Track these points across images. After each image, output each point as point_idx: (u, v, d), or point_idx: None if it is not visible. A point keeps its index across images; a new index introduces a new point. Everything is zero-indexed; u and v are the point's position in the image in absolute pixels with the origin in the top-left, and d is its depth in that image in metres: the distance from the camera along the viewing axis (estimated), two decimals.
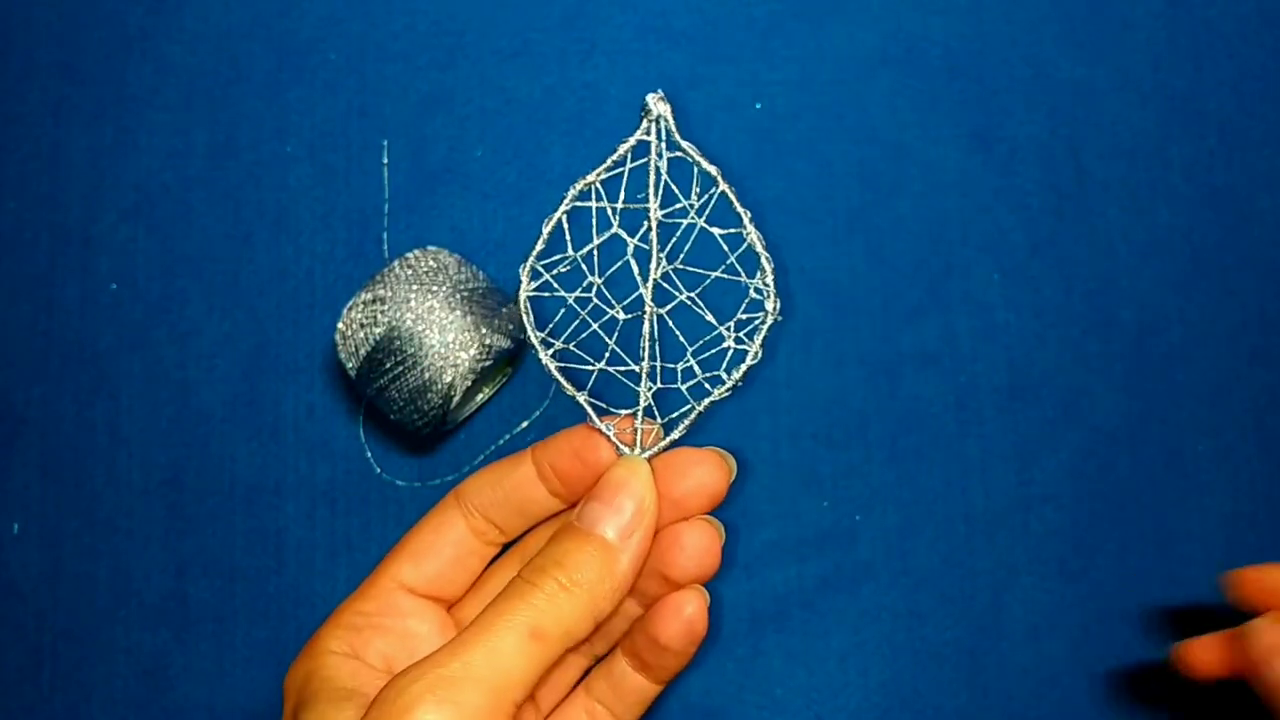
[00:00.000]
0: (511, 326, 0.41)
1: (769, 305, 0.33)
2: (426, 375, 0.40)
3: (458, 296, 0.41)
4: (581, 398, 0.34)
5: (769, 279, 0.33)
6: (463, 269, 0.41)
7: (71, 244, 0.46)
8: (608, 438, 0.34)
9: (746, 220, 0.33)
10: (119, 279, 0.45)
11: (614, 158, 0.33)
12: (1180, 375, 0.44)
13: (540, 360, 0.34)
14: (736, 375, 0.34)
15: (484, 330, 0.40)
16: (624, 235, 0.34)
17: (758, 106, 0.45)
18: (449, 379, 0.40)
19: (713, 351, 0.34)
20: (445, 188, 0.45)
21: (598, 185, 0.33)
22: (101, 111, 0.46)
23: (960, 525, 0.42)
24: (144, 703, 0.43)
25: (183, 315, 0.45)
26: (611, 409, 0.34)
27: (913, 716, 0.41)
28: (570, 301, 0.34)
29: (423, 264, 0.41)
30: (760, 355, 0.34)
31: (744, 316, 0.34)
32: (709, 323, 0.34)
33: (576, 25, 0.46)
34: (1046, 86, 0.45)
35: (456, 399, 0.40)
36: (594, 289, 0.34)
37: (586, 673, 0.37)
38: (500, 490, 0.35)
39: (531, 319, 0.34)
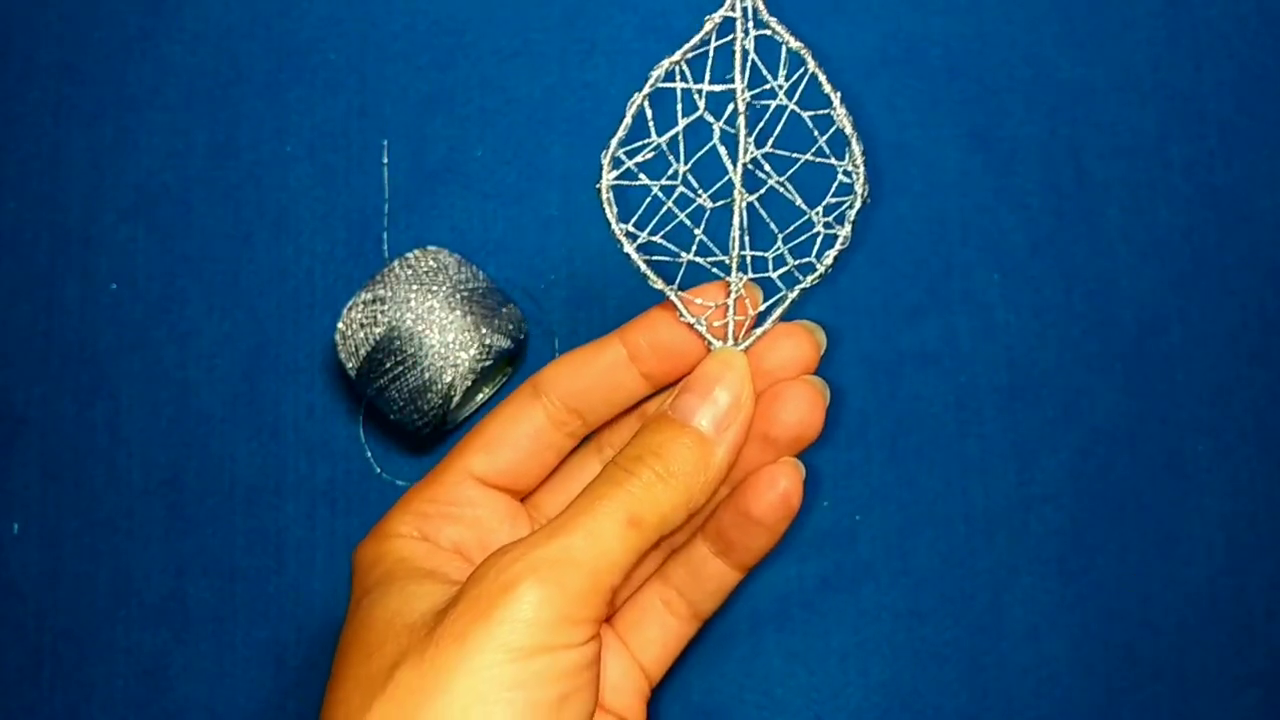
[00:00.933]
0: (511, 326, 0.41)
1: (859, 188, 0.32)
2: (426, 375, 0.40)
3: (458, 296, 0.41)
4: (671, 292, 0.33)
5: (859, 161, 0.32)
6: (463, 269, 0.41)
7: (71, 244, 0.46)
8: (700, 333, 0.33)
9: (836, 101, 0.32)
10: (119, 279, 0.45)
11: (699, 36, 0.31)
12: (1180, 375, 0.44)
13: (625, 254, 0.33)
14: (828, 261, 0.33)
15: (484, 330, 0.40)
16: (710, 119, 0.32)
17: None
18: (449, 379, 0.40)
19: (803, 238, 0.33)
20: (445, 188, 0.45)
21: (682, 66, 0.32)
22: (101, 111, 0.46)
23: (960, 525, 0.42)
24: (144, 703, 0.43)
25: (183, 315, 0.45)
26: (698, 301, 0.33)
27: (913, 716, 0.41)
28: (655, 190, 0.33)
29: (423, 264, 0.41)
30: (850, 240, 0.32)
31: (834, 200, 0.32)
32: (799, 208, 0.33)
33: (576, 25, 0.46)
34: (1046, 86, 0.45)
35: (456, 399, 0.40)
36: (679, 176, 0.33)
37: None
38: (586, 376, 0.34)
39: (614, 210, 0.32)
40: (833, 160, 0.32)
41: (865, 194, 0.32)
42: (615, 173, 0.32)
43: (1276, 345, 0.44)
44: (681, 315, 0.33)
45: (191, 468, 0.44)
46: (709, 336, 0.33)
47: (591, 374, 0.34)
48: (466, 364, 0.40)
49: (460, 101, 0.46)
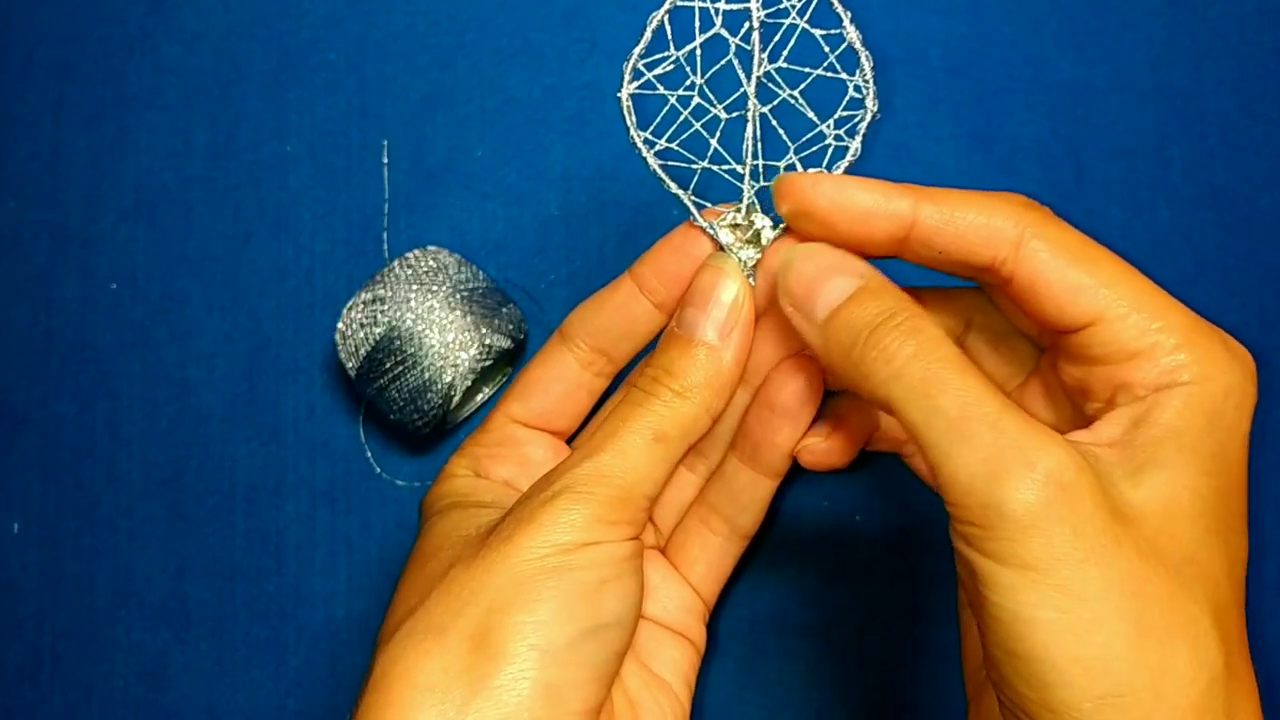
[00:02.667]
0: (511, 326, 0.42)
1: (869, 103, 0.34)
2: (426, 375, 0.40)
3: (458, 296, 0.41)
4: (685, 196, 0.34)
5: (869, 76, 0.34)
6: (463, 269, 0.41)
7: (71, 244, 0.46)
8: (711, 237, 0.34)
9: (846, 20, 0.34)
10: (119, 279, 0.45)
11: None
12: None
13: (644, 160, 0.34)
14: (838, 172, 0.34)
15: (484, 330, 0.40)
16: (726, 34, 0.34)
17: None
18: (449, 379, 0.40)
19: (814, 149, 0.34)
20: (445, 188, 0.45)
21: None
22: (101, 111, 0.46)
23: None
24: (144, 703, 0.43)
25: (183, 315, 0.45)
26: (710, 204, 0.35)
27: (913, 716, 0.41)
28: (673, 101, 0.34)
29: (423, 264, 0.41)
30: (860, 152, 0.34)
31: (844, 114, 0.34)
32: (810, 121, 0.34)
33: (576, 25, 0.46)
34: (1046, 86, 0.45)
35: (456, 399, 0.40)
36: (696, 88, 0.35)
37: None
38: (603, 315, 0.36)
39: (634, 118, 0.34)
40: (843, 75, 0.34)
41: (875, 108, 0.34)
42: (635, 83, 0.34)
43: (1277, 345, 0.44)
44: (695, 220, 0.34)
45: (191, 468, 0.44)
46: (722, 240, 0.34)
47: (609, 313, 0.36)
48: (466, 364, 0.40)
49: (460, 101, 0.46)
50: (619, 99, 0.34)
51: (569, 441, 0.38)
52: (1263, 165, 0.45)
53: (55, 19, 0.47)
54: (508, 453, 0.37)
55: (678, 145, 0.34)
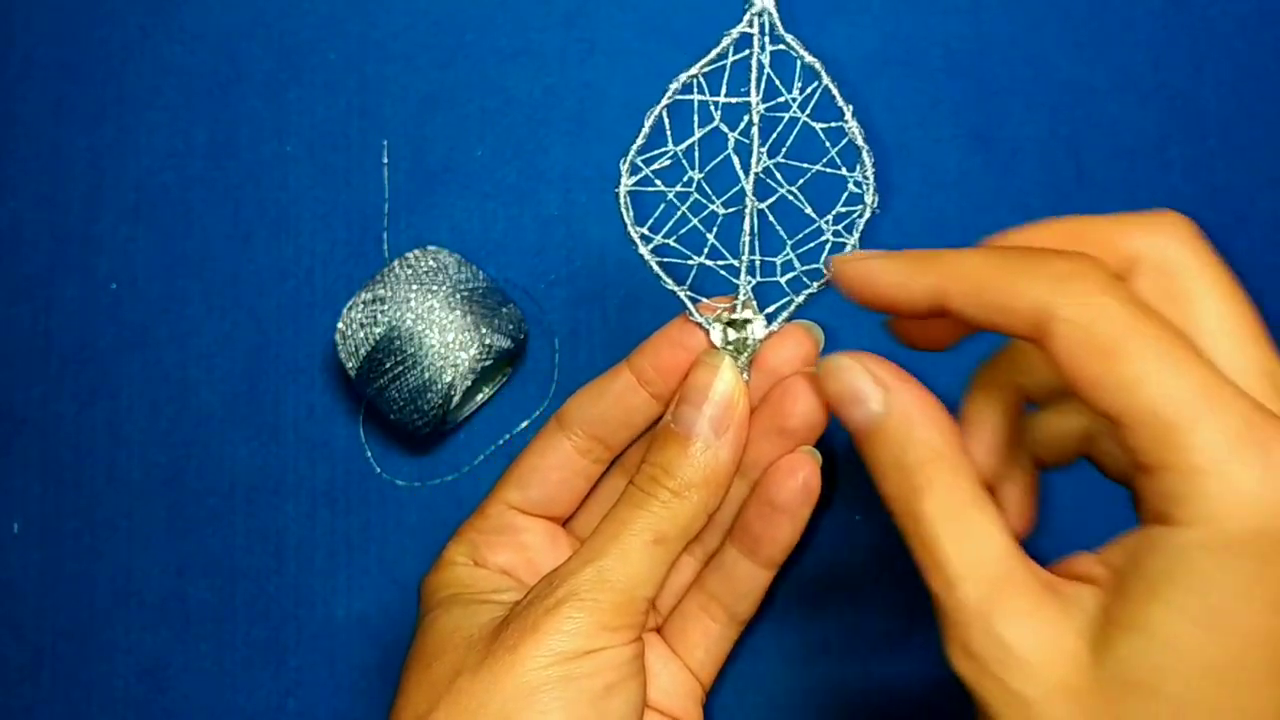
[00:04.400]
0: (511, 326, 0.41)
1: (868, 198, 0.33)
2: (426, 375, 0.40)
3: (458, 296, 0.41)
4: (681, 292, 0.34)
5: (869, 172, 0.33)
6: (463, 269, 0.41)
7: (71, 244, 0.46)
8: (707, 332, 0.34)
9: (848, 114, 0.33)
10: (119, 279, 0.45)
11: (716, 51, 0.33)
12: None
13: (639, 255, 0.34)
14: None
15: (484, 330, 0.40)
16: (725, 129, 0.34)
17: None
18: (449, 379, 0.40)
19: (811, 245, 0.34)
20: (445, 188, 0.45)
21: (699, 79, 0.33)
22: (101, 111, 0.46)
23: None
24: (144, 703, 0.43)
25: (183, 315, 0.45)
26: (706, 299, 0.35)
27: (913, 716, 0.41)
28: (670, 196, 0.34)
29: (423, 264, 0.41)
30: (858, 248, 0.34)
31: (843, 210, 0.34)
32: (808, 216, 0.34)
33: (576, 25, 0.46)
34: (1046, 86, 0.45)
35: (456, 399, 0.40)
36: (694, 183, 0.34)
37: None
38: (601, 404, 0.36)
39: (630, 214, 0.34)
40: (843, 171, 0.33)
41: (874, 204, 0.33)
42: (633, 179, 0.34)
43: (1276, 345, 0.44)
44: (690, 315, 0.34)
45: (191, 468, 0.44)
46: (716, 336, 0.34)
47: (606, 402, 0.36)
48: (466, 364, 0.40)
49: (460, 101, 0.46)
50: (616, 194, 0.34)
51: (565, 524, 0.38)
52: (1263, 165, 0.45)
53: (55, 19, 0.47)
54: (506, 540, 0.37)
55: (674, 241, 0.34)
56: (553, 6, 0.46)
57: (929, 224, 0.44)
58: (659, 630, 0.38)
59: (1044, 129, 0.45)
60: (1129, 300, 0.26)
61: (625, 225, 0.34)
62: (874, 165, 0.33)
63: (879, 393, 0.30)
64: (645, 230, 0.34)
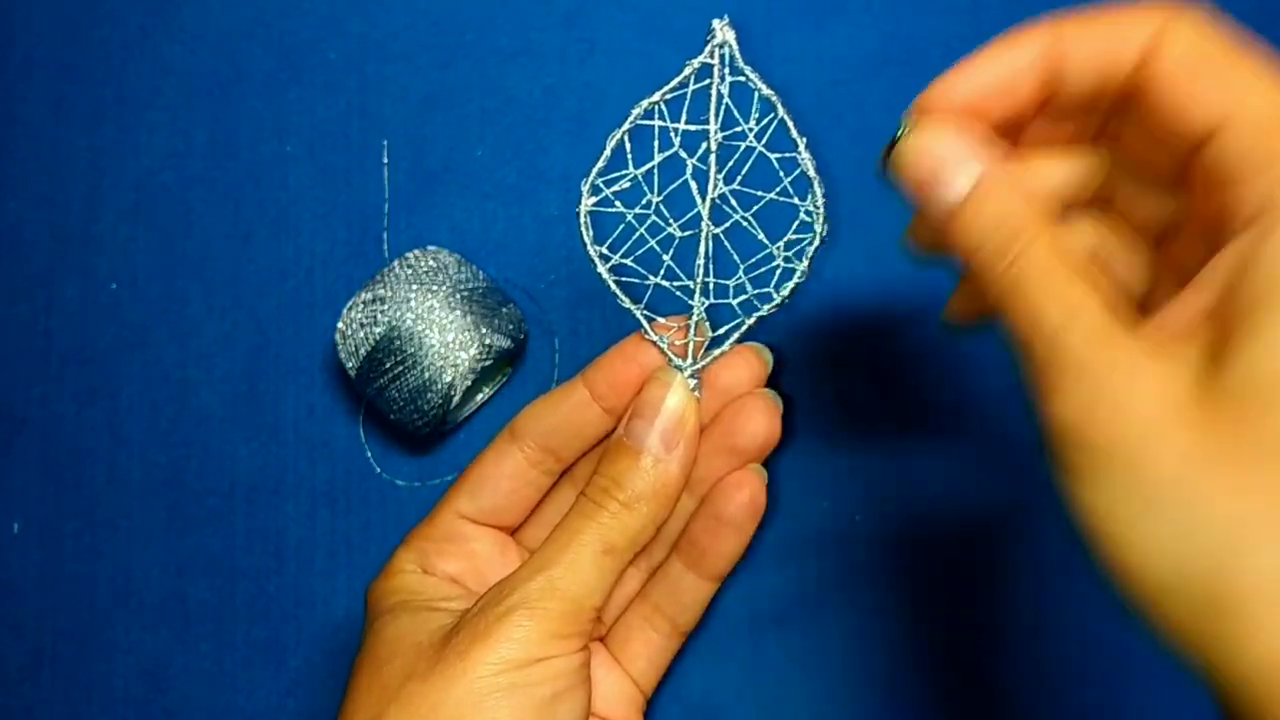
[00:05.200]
0: (511, 326, 0.42)
1: (818, 227, 0.35)
2: (426, 375, 0.40)
3: (458, 296, 0.41)
4: (637, 310, 0.36)
5: (820, 202, 0.35)
6: (463, 269, 0.41)
7: (71, 244, 0.46)
8: (660, 349, 0.36)
9: (801, 146, 0.34)
10: (119, 279, 0.45)
11: (677, 80, 0.34)
12: None
13: (597, 274, 0.35)
14: (785, 292, 0.35)
15: (484, 330, 0.40)
16: (684, 155, 0.35)
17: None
18: (449, 379, 0.40)
19: (763, 270, 0.36)
20: (445, 188, 0.45)
21: (660, 105, 0.34)
22: (101, 111, 0.46)
23: (960, 525, 0.42)
24: (144, 703, 0.43)
25: (183, 315, 0.45)
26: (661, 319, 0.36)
27: (913, 716, 0.41)
28: (629, 218, 0.36)
29: (423, 264, 0.41)
30: (808, 274, 0.35)
31: (794, 237, 0.35)
32: (761, 242, 0.35)
33: (576, 25, 0.46)
34: None
35: (456, 399, 0.40)
36: (652, 206, 0.36)
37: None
38: (555, 417, 0.37)
39: (590, 234, 0.35)
40: (795, 200, 0.35)
41: (824, 232, 0.35)
42: (593, 199, 0.35)
43: None
44: (645, 333, 0.36)
45: (191, 468, 0.44)
46: (670, 355, 0.36)
47: (560, 415, 0.37)
48: (466, 364, 0.40)
49: (460, 101, 0.46)
50: (577, 214, 0.35)
51: (514, 534, 0.39)
52: None
53: (55, 19, 0.47)
54: (455, 548, 0.37)
55: (632, 260, 0.36)
56: (553, 6, 0.46)
57: None
58: (602, 640, 0.38)
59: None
60: (1231, 31, 0.27)
61: (585, 244, 0.35)
62: (825, 196, 0.35)
63: (971, 167, 0.28)
64: (604, 250, 0.36)
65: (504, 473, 0.37)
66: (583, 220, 0.35)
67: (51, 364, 0.45)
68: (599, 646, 0.38)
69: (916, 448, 0.43)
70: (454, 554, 0.37)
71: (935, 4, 0.46)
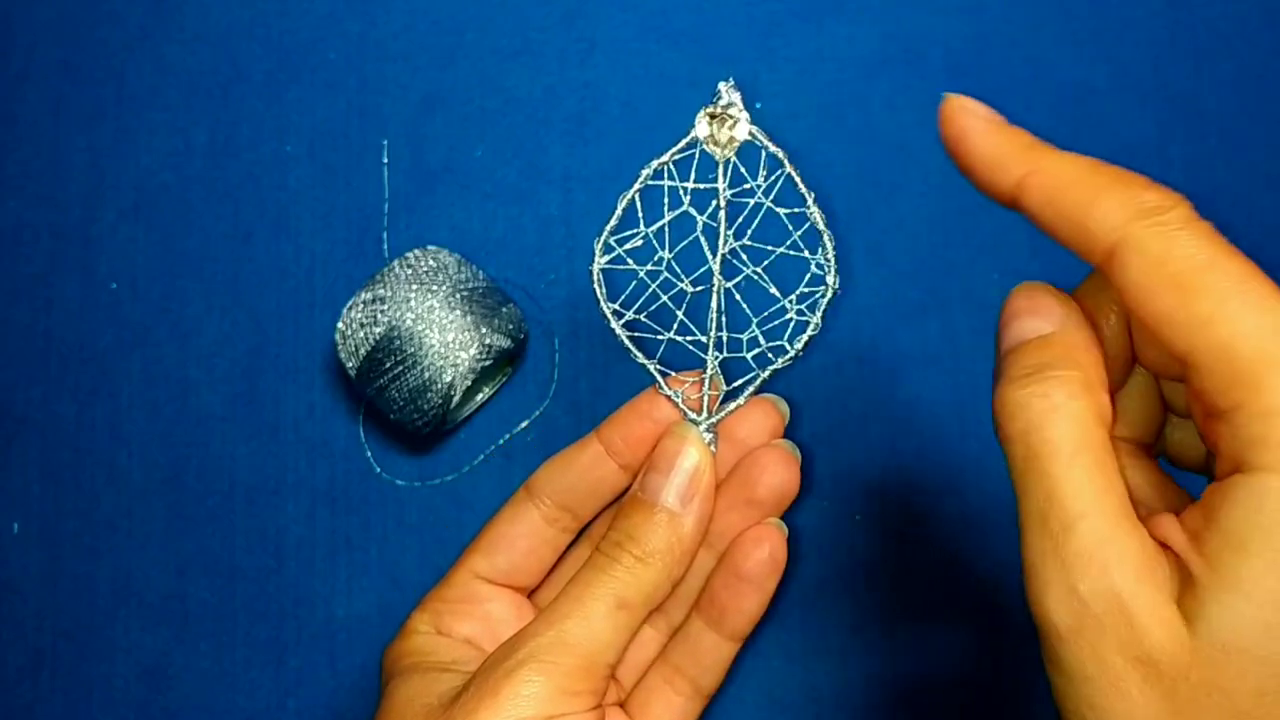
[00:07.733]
0: (511, 326, 0.41)
1: (829, 280, 0.35)
2: (426, 375, 0.40)
3: (458, 296, 0.41)
4: (651, 366, 0.36)
5: (830, 255, 0.35)
6: (463, 269, 0.41)
7: (71, 244, 0.46)
8: (675, 404, 0.36)
9: (810, 200, 0.35)
10: (119, 279, 0.45)
11: (686, 140, 0.35)
12: None
13: (612, 331, 0.36)
14: (798, 345, 0.36)
15: (484, 330, 0.40)
16: (694, 213, 0.35)
17: (758, 106, 0.45)
18: (449, 379, 0.40)
19: (776, 323, 0.36)
20: (445, 188, 0.45)
21: (670, 165, 0.35)
22: (101, 111, 0.46)
23: (960, 525, 0.42)
24: (144, 703, 0.43)
25: (183, 315, 0.45)
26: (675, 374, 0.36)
27: (913, 716, 0.41)
28: (641, 275, 0.36)
29: (423, 264, 0.41)
30: (820, 326, 0.35)
31: (806, 290, 0.35)
32: (773, 296, 0.36)
33: (576, 25, 0.46)
34: (1046, 86, 0.45)
35: (456, 399, 0.40)
36: (664, 263, 0.36)
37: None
38: (570, 474, 0.37)
39: (604, 291, 0.36)
40: (806, 254, 0.35)
41: (836, 285, 0.35)
42: (606, 258, 0.35)
43: None
44: (660, 388, 0.36)
45: (191, 468, 0.44)
46: (685, 409, 0.36)
47: (576, 472, 0.37)
48: (466, 364, 0.40)
49: (460, 101, 0.46)
50: (590, 272, 0.35)
51: (531, 595, 0.38)
52: (1262, 165, 0.45)
53: (55, 19, 0.47)
54: (470, 609, 0.37)
55: (645, 317, 0.36)
56: (553, 6, 0.46)
57: (929, 224, 0.44)
58: (622, 705, 0.37)
59: (1044, 129, 0.45)
60: (1209, 235, 0.24)
61: (599, 301, 0.36)
62: (835, 248, 0.35)
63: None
64: (617, 306, 0.36)
65: (520, 531, 0.37)
66: (596, 277, 0.36)
67: (51, 364, 0.45)
68: (618, 712, 0.37)
69: (917, 448, 0.43)
70: (469, 615, 0.37)
71: (935, 4, 0.46)
